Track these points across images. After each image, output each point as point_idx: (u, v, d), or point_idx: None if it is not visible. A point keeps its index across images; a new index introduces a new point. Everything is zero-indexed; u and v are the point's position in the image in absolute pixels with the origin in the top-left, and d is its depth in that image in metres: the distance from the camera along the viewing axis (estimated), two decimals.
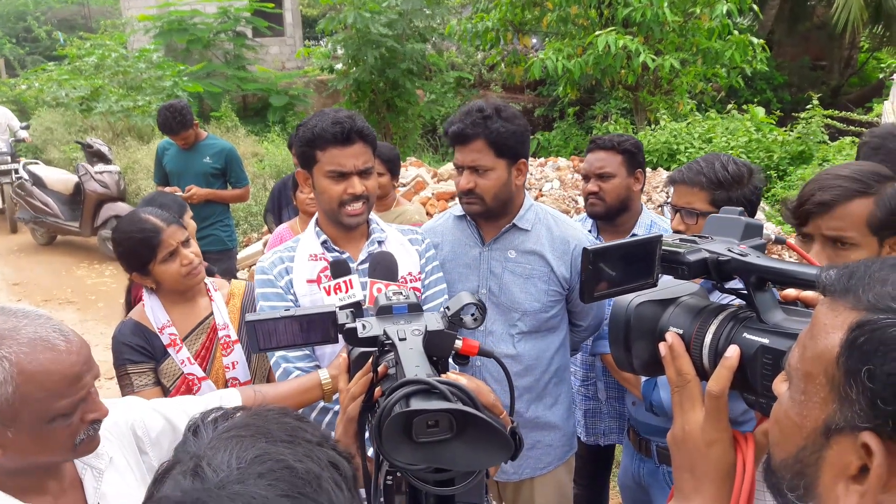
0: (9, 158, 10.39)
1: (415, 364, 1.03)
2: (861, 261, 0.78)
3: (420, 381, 0.94)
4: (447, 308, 1.18)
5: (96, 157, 8.93)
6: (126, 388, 2.44)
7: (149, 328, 2.47)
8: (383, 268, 2.16)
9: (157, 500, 0.78)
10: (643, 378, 2.28)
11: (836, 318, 0.75)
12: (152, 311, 2.49)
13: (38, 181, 9.35)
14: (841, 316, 0.74)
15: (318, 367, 2.21)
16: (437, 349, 1.13)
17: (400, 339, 1.11)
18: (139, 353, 2.44)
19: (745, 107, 10.04)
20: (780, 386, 0.84)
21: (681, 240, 1.10)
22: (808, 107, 8.72)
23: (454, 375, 1.11)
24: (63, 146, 12.84)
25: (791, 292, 1.04)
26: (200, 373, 2.45)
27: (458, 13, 14.14)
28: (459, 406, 0.90)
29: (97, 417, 1.40)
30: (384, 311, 1.21)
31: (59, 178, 9.51)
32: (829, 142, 8.39)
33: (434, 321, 1.17)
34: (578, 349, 2.84)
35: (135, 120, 12.62)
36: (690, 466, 1.01)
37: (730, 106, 10.07)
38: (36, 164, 10.19)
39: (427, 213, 6.85)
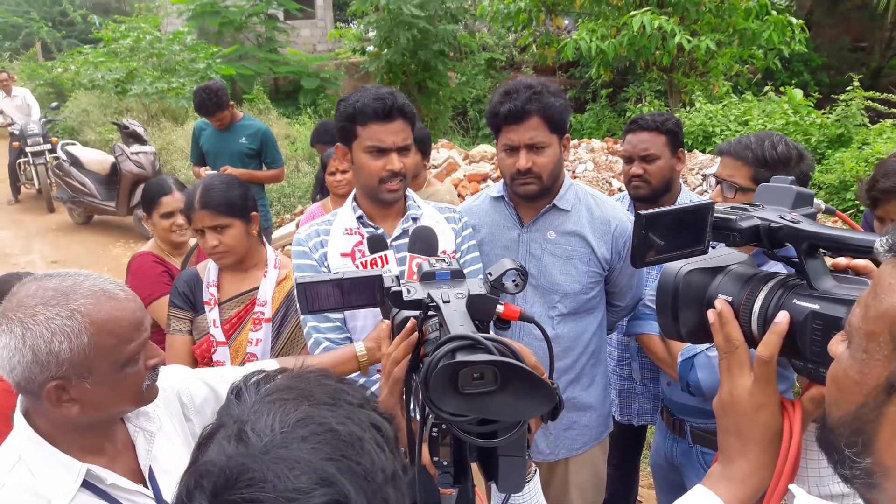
0: (41, 140, 10.57)
1: (459, 323, 1.05)
2: None
3: (466, 337, 0.96)
4: (489, 273, 1.20)
5: (132, 137, 9.07)
6: (167, 327, 2.62)
7: (202, 280, 2.60)
8: (423, 242, 2.17)
9: (202, 465, 0.78)
10: (679, 358, 2.27)
11: None
12: (209, 267, 2.62)
13: (75, 161, 9.51)
14: None
15: (350, 339, 2.25)
16: (480, 313, 1.15)
17: (444, 302, 1.13)
18: (182, 300, 2.59)
19: (782, 89, 9.83)
20: (836, 347, 0.84)
21: (732, 207, 1.09)
22: (847, 88, 8.52)
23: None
24: (99, 128, 13.06)
25: (842, 261, 1.03)
26: (220, 337, 2.53)
27: None
28: (503, 358, 0.91)
29: (158, 362, 1.48)
30: (428, 277, 1.23)
31: (96, 159, 9.66)
32: (868, 125, 8.19)
33: (476, 286, 1.19)
34: (614, 329, 2.83)
35: (169, 102, 12.78)
36: (737, 430, 1.02)
37: (767, 88, 9.87)
38: (73, 144, 10.36)
39: (459, 195, 6.86)
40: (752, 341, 1.04)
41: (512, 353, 0.97)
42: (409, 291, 1.20)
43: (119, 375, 1.39)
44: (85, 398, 1.37)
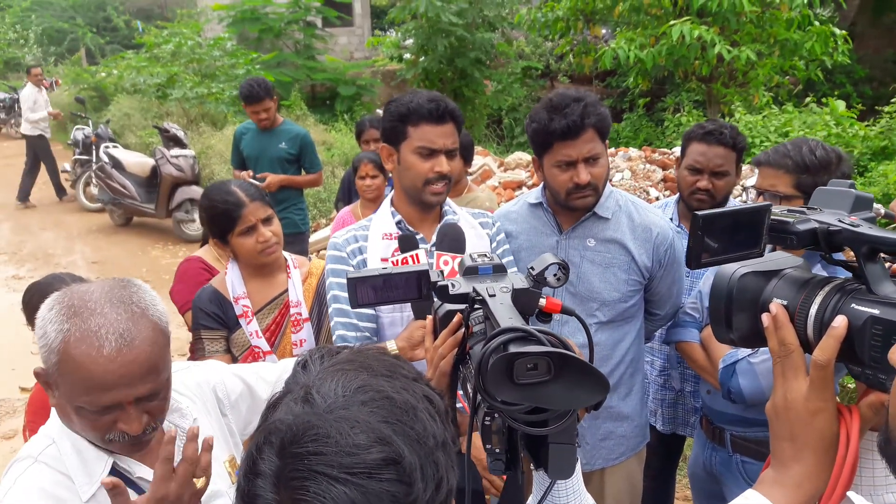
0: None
1: (508, 316, 1.07)
2: None
3: (518, 329, 0.98)
4: (531, 268, 1.21)
5: (172, 141, 9.22)
6: (199, 351, 2.56)
7: (226, 297, 2.56)
8: (450, 239, 2.17)
9: (270, 423, 0.85)
10: (721, 365, 2.25)
11: None
12: (231, 281, 2.57)
13: (116, 164, 9.69)
14: None
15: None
16: (523, 306, 1.17)
17: (490, 296, 1.15)
18: (213, 320, 2.54)
19: (824, 100, 9.66)
20: None
21: (789, 210, 1.08)
22: (892, 100, 8.36)
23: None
24: (140, 131, 13.28)
25: None
26: (266, 347, 2.52)
27: (528, 2, 14.02)
28: (558, 349, 0.93)
29: (126, 431, 1.36)
30: (470, 272, 1.25)
31: (137, 162, 9.84)
32: None
33: (519, 280, 1.21)
34: (651, 338, 2.80)
35: (209, 106, 12.97)
36: (791, 436, 1.00)
37: (808, 99, 9.72)
38: (115, 147, 10.54)
39: None
40: (807, 346, 1.02)
41: (563, 344, 0.99)
42: (453, 286, 1.23)
43: (73, 409, 1.34)
44: (58, 403, 1.39)
